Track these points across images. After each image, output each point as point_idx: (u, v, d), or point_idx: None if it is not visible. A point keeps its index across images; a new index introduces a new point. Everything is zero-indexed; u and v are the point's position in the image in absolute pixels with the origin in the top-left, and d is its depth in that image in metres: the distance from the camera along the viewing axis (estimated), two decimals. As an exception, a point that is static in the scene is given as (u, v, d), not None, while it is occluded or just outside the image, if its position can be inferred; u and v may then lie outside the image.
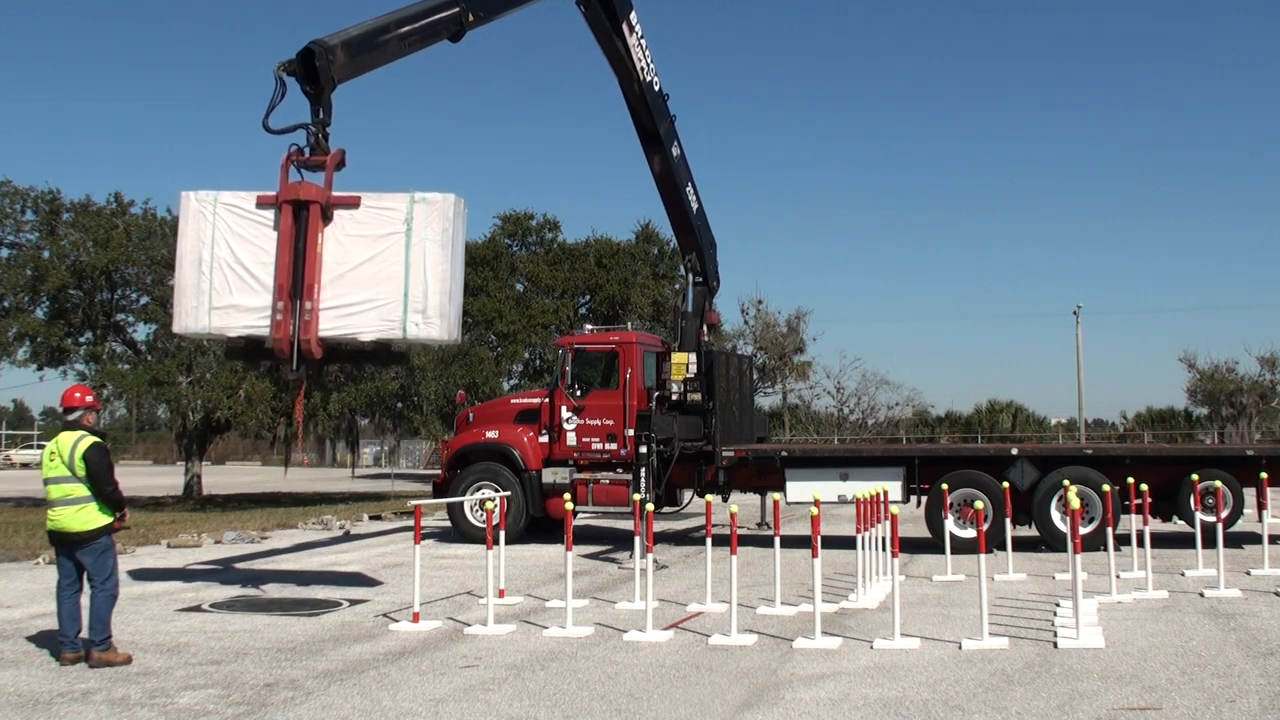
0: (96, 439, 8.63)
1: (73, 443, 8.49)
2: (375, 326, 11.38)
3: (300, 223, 11.23)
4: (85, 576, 8.54)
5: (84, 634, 8.47)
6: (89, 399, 8.90)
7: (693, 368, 16.88)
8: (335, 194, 11.43)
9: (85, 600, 8.52)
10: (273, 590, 12.46)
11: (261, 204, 11.52)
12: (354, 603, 11.48)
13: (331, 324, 11.29)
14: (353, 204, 11.50)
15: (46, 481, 8.59)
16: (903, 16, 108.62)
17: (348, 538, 19.04)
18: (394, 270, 11.35)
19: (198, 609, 11.12)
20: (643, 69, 16.08)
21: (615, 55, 15.74)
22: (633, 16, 15.80)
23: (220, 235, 11.53)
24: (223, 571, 14.25)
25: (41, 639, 9.51)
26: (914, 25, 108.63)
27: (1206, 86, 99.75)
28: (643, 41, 16.02)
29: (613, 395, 17.06)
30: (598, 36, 15.56)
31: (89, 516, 8.45)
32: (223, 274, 11.50)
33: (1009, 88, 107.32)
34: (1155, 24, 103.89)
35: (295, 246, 11.19)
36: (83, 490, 8.45)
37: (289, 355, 11.21)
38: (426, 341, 12.02)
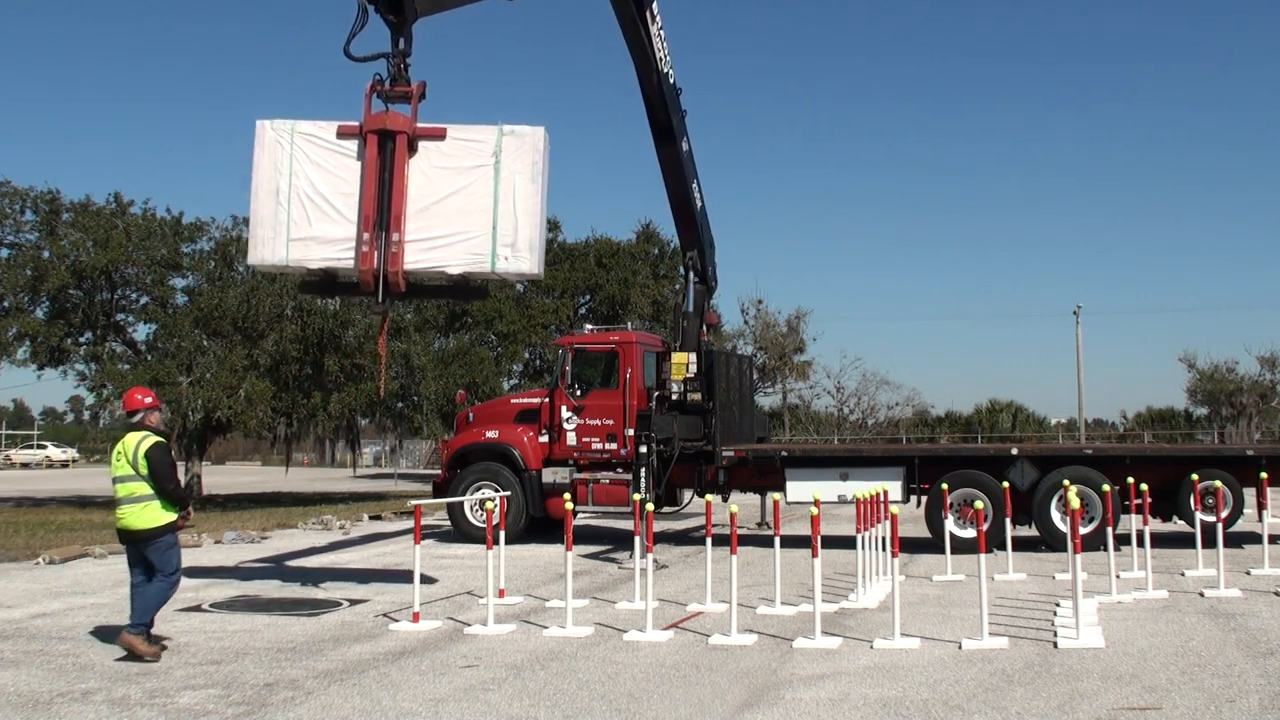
0: (158, 439, 8.88)
1: (136, 442, 8.78)
2: (462, 260, 11.28)
3: (386, 153, 11.11)
4: (153, 573, 8.82)
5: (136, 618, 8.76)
6: (148, 400, 9.16)
7: (693, 368, 16.88)
8: (421, 125, 11.32)
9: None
10: (273, 590, 12.45)
11: (343, 134, 11.38)
12: (354, 602, 11.47)
13: (417, 256, 11.17)
14: (438, 136, 11.38)
15: (114, 480, 8.87)
16: (903, 16, 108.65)
17: (351, 540, 19.03)
18: (482, 203, 11.24)
19: (198, 609, 11.12)
20: (661, 59, 16.12)
21: (638, 43, 15.72)
22: (655, 6, 15.83)
23: (299, 165, 11.35)
24: (223, 571, 14.24)
25: (42, 639, 9.52)
26: (914, 25, 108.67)
27: (1206, 86, 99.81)
28: (662, 32, 16.07)
29: (613, 395, 17.06)
30: (623, 23, 15.53)
31: (153, 514, 8.73)
32: (301, 205, 11.32)
33: (1009, 88, 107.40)
34: (1155, 24, 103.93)
35: (381, 177, 11.07)
36: (145, 489, 8.72)
37: (374, 288, 11.10)
38: (516, 275, 11.87)
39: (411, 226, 11.16)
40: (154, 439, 8.82)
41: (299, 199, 11.33)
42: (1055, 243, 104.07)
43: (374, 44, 11.53)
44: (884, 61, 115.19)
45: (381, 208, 11.07)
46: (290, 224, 11.32)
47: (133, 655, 8.51)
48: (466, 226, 11.26)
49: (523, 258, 11.25)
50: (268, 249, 11.43)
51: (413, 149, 11.28)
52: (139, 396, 9.16)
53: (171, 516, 8.79)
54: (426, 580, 11.84)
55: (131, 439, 8.83)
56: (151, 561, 8.77)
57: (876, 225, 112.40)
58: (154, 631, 8.92)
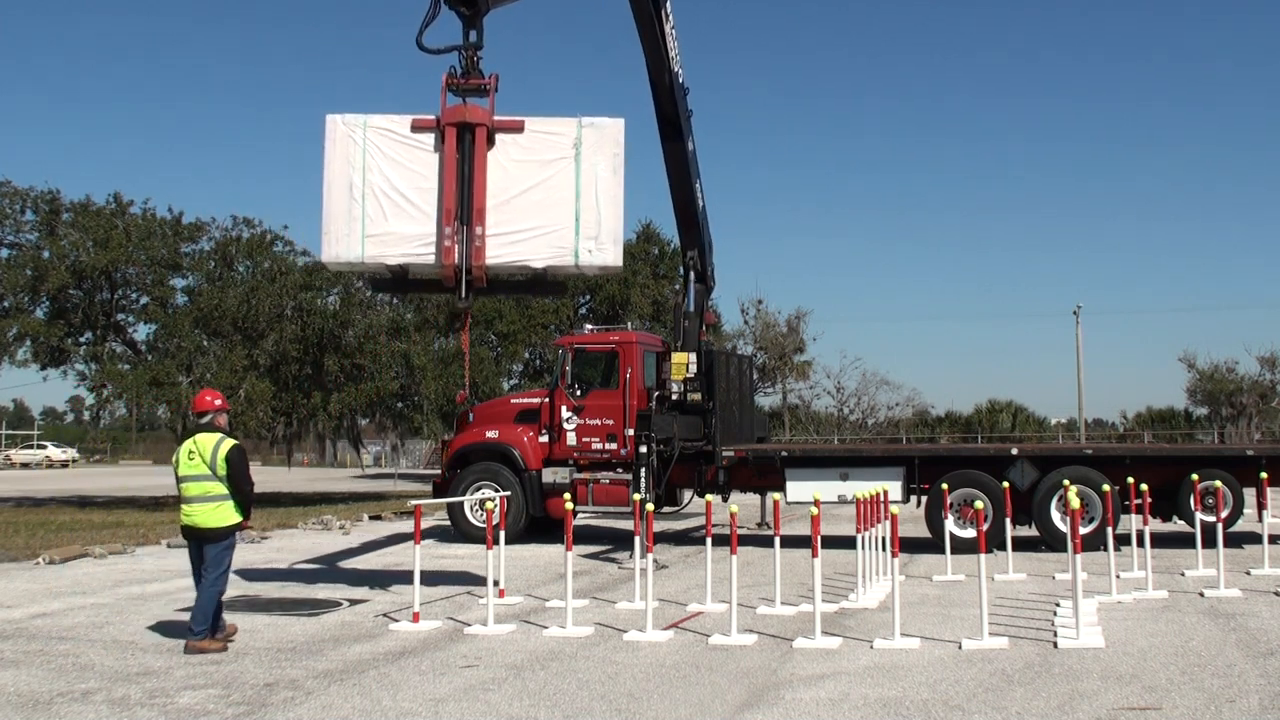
0: (236, 442, 9.15)
1: (214, 444, 9.03)
2: (546, 253, 11.18)
3: (464, 146, 11.01)
4: (204, 568, 9.02)
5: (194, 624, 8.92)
6: (217, 402, 9.39)
7: (693, 368, 16.87)
8: (498, 118, 11.23)
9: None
10: (273, 590, 12.45)
11: (417, 127, 11.25)
12: (354, 603, 11.47)
13: (500, 251, 11.07)
14: (516, 128, 11.27)
15: (183, 479, 9.08)
16: (903, 16, 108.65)
17: (351, 540, 19.03)
18: (564, 196, 11.12)
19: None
20: (673, 57, 16.16)
21: (653, 41, 15.74)
22: (669, 4, 15.88)
23: (372, 160, 11.20)
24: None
25: (42, 639, 9.52)
26: (915, 24, 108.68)
27: (1206, 86, 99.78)
28: (673, 31, 16.13)
29: (613, 395, 17.06)
30: (640, 21, 15.55)
31: (224, 515, 9.00)
32: (376, 200, 11.16)
33: (1009, 87, 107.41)
34: (1156, 23, 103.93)
35: (460, 171, 10.96)
36: (221, 489, 8.97)
37: (455, 284, 11.00)
38: (599, 269, 11.75)
39: (492, 221, 11.03)
40: (233, 442, 9.10)
41: (374, 194, 11.16)
42: (1055, 243, 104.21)
43: (420, 37, 11.43)
44: (884, 61, 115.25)
45: (462, 202, 10.94)
46: (365, 220, 11.15)
47: (205, 654, 8.75)
48: (549, 220, 11.15)
49: (606, 251, 11.16)
50: (342, 246, 11.24)
51: (490, 142, 11.15)
52: (209, 399, 9.39)
53: (239, 518, 9.09)
54: (426, 580, 11.84)
55: (207, 440, 9.07)
56: (207, 558, 8.99)
57: (876, 225, 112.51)
58: (175, 640, 9.01)
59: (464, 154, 11.03)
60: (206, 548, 8.99)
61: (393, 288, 12.98)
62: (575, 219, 11.11)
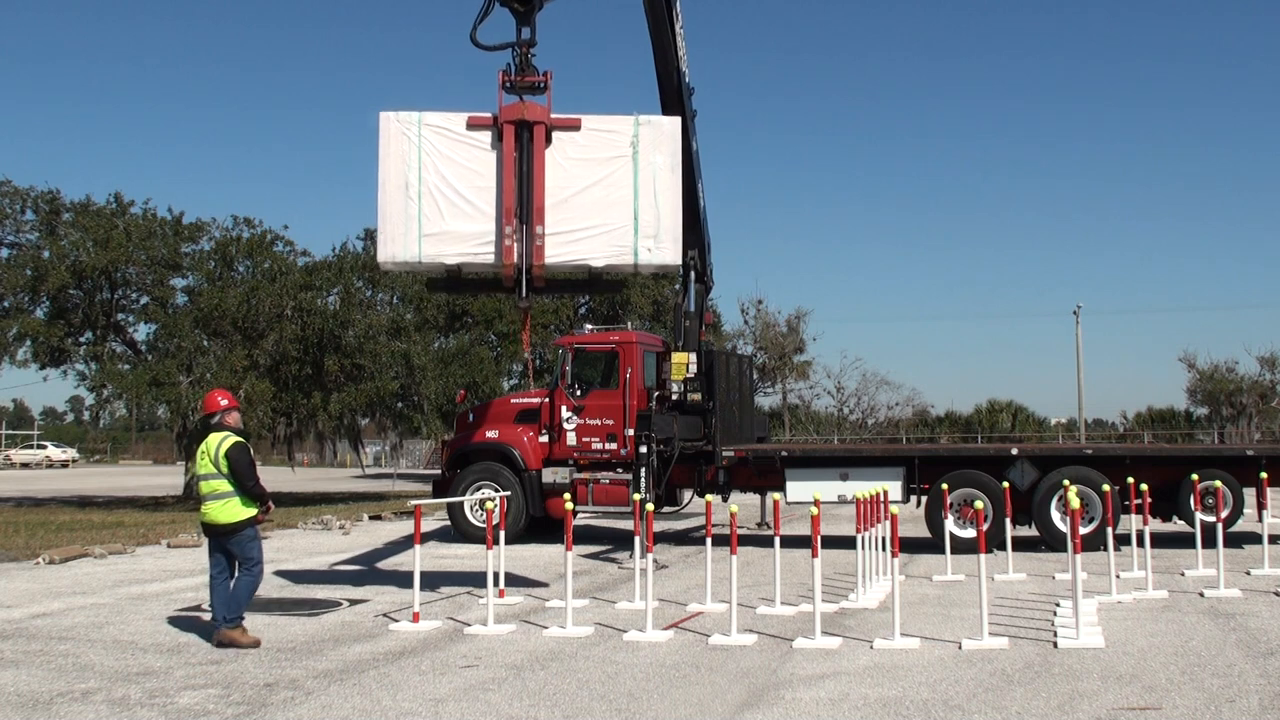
0: (238, 440, 9.32)
1: (218, 442, 9.25)
2: (605, 252, 11.13)
3: (523, 144, 10.96)
4: (235, 564, 9.26)
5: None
6: (223, 401, 9.60)
7: (693, 368, 16.87)
8: (555, 115, 11.19)
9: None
10: (273, 590, 12.43)
11: (473, 125, 11.20)
12: (354, 603, 11.47)
13: (559, 250, 11.03)
14: (574, 126, 11.23)
15: (197, 479, 9.39)
16: (903, 16, 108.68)
17: (351, 540, 19.03)
18: (622, 195, 11.08)
19: (198, 609, 11.11)
20: (681, 56, 16.20)
21: (664, 40, 15.78)
22: (679, 4, 15.91)
23: (427, 158, 11.13)
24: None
25: (42, 639, 9.52)
26: (915, 24, 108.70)
27: (1206, 86, 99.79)
28: (682, 30, 16.17)
29: (613, 395, 17.06)
30: (653, 20, 15.59)
31: (234, 510, 9.19)
32: (433, 199, 11.09)
33: (1009, 87, 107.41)
34: (1156, 23, 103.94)
35: (519, 169, 10.90)
36: (227, 486, 9.17)
37: (514, 283, 10.94)
38: (658, 267, 11.70)
39: (551, 219, 10.99)
40: (234, 439, 9.28)
41: (430, 193, 11.08)
42: (1055, 243, 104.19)
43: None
44: (884, 61, 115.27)
45: (522, 201, 10.89)
46: (422, 219, 11.06)
47: (237, 646, 8.91)
48: (608, 219, 11.11)
49: (665, 249, 11.14)
50: (399, 245, 11.14)
51: (548, 140, 11.11)
52: (217, 399, 9.62)
53: (251, 511, 9.26)
54: (426, 580, 11.83)
55: (213, 439, 9.30)
56: (233, 554, 9.22)
57: (876, 225, 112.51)
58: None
59: (522, 152, 10.99)
60: (229, 544, 9.22)
61: (447, 287, 12.94)
62: (634, 218, 11.08)
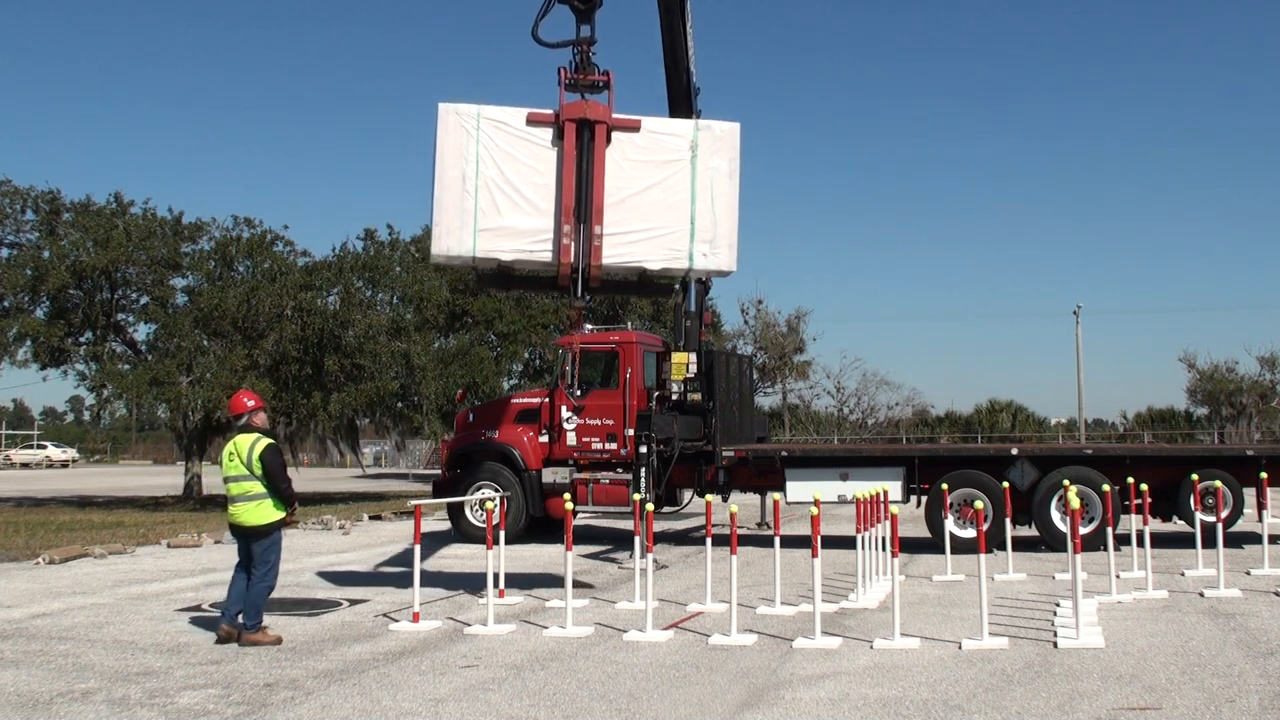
0: (270, 441, 9.39)
1: (250, 444, 9.28)
2: (660, 255, 11.11)
3: (584, 143, 10.93)
4: (252, 564, 9.32)
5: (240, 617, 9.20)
6: (250, 403, 9.60)
7: (693, 368, 16.86)
8: (616, 116, 11.16)
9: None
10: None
11: (534, 122, 11.13)
12: (354, 603, 11.48)
13: (615, 251, 10.99)
14: (633, 127, 11.20)
15: (226, 480, 9.41)
16: (903, 16, 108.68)
17: (351, 540, 19.02)
18: (679, 198, 11.04)
19: (198, 608, 11.13)
20: (690, 56, 16.20)
21: (675, 40, 15.77)
22: (689, 3, 15.92)
23: (485, 153, 11.04)
24: (224, 570, 14.22)
25: (42, 639, 9.51)
26: (914, 25, 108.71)
27: (1206, 86, 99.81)
28: (691, 30, 16.17)
29: (613, 395, 17.06)
30: (667, 19, 15.59)
31: (265, 512, 9.28)
32: (490, 194, 11.01)
33: (1009, 87, 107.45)
34: (1156, 23, 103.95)
35: (579, 168, 10.86)
36: (259, 488, 9.25)
37: (570, 282, 10.90)
38: (712, 272, 11.68)
39: (608, 220, 10.95)
40: (267, 441, 9.33)
41: (487, 188, 11.00)
42: (1055, 243, 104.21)
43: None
44: (884, 61, 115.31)
45: (581, 200, 10.85)
46: (478, 213, 10.98)
47: (259, 646, 8.99)
48: (664, 222, 11.08)
49: (721, 255, 11.11)
50: (454, 239, 11.06)
51: (608, 140, 11.07)
52: (244, 400, 9.62)
53: (281, 514, 9.35)
54: (426, 580, 11.83)
55: (244, 440, 9.32)
56: (255, 554, 9.28)
57: (877, 225, 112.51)
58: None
59: (583, 151, 10.95)
60: (254, 545, 9.28)
61: (497, 284, 12.93)
62: (691, 222, 11.04)
